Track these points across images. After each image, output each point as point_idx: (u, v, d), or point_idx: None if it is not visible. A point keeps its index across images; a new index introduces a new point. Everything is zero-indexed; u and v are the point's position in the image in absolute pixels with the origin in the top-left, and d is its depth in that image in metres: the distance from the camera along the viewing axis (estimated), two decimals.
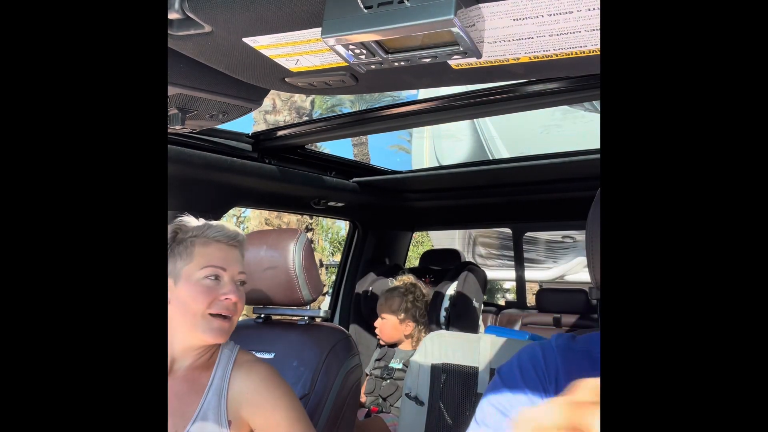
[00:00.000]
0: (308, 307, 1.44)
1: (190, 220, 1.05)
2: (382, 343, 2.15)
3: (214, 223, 1.05)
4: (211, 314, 0.98)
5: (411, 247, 2.96)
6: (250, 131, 1.70)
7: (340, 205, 2.19)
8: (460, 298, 2.17)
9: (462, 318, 2.15)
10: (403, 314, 2.07)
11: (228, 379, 1.02)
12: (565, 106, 4.54)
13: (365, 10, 0.51)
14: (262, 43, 0.61)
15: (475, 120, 5.55)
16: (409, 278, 2.21)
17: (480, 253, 6.18)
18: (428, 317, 2.13)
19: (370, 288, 2.43)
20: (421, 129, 6.36)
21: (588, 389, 0.35)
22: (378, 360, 2.16)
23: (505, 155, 5.35)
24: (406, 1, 0.49)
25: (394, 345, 2.12)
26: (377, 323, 2.12)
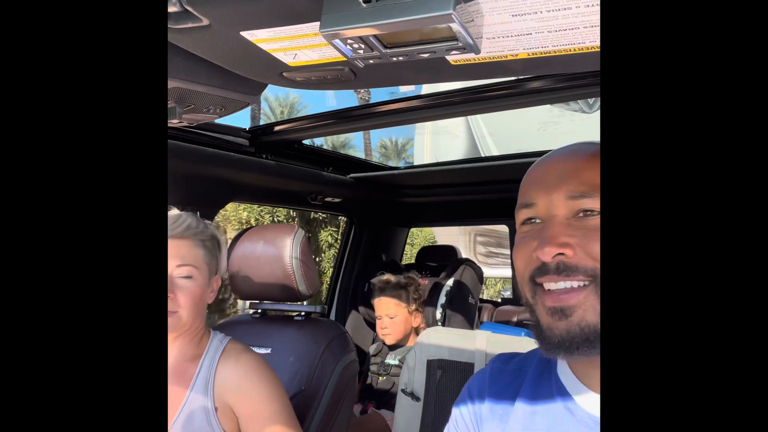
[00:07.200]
0: (305, 302, 1.44)
1: None
2: (389, 343, 2.08)
3: (169, 213, 1.04)
4: None
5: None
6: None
7: (337, 200, 2.19)
8: (456, 294, 2.17)
9: (458, 314, 2.15)
10: (414, 305, 2.03)
11: (215, 368, 1.04)
12: (562, 103, 4.53)
13: (364, 5, 0.51)
14: (260, 37, 0.61)
15: (468, 117, 5.55)
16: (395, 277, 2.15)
17: (480, 251, 6.20)
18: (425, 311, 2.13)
19: (367, 284, 2.43)
20: (422, 124, 6.36)
21: None
22: (374, 356, 2.16)
23: (495, 153, 5.36)
24: None
25: (398, 345, 2.06)
26: (386, 324, 2.04)
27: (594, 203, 0.59)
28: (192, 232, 1.04)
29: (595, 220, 0.58)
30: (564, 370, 0.65)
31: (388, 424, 1.88)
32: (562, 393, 0.62)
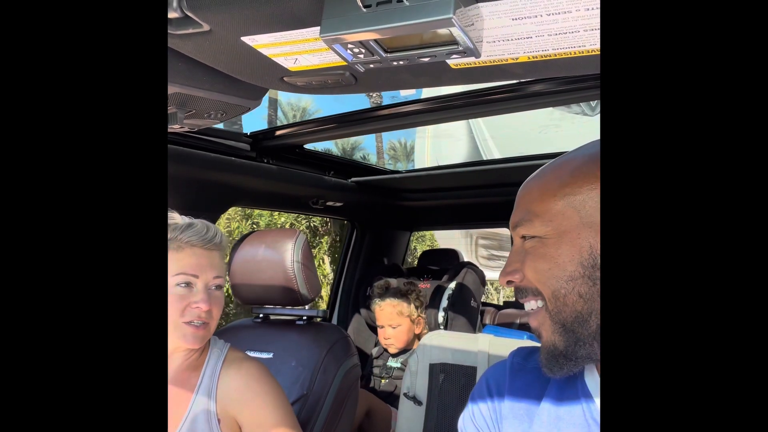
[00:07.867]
0: (306, 307, 1.44)
1: (174, 218, 1.03)
2: (392, 352, 2.07)
3: (195, 222, 1.03)
4: (184, 322, 0.98)
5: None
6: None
7: (338, 204, 2.19)
8: (458, 297, 2.17)
9: (461, 316, 2.14)
10: (416, 313, 2.02)
11: (217, 378, 1.03)
12: (563, 107, 4.53)
13: (364, 9, 0.51)
14: (261, 42, 0.61)
15: (470, 120, 5.55)
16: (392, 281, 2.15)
17: (482, 254, 6.19)
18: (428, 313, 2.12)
19: (369, 288, 2.43)
20: (422, 128, 6.37)
21: None
22: (376, 358, 2.15)
23: (498, 156, 5.36)
24: (405, 1, 0.49)
25: (405, 351, 2.05)
26: (389, 334, 2.02)
27: (527, 229, 0.62)
28: (222, 243, 1.05)
29: (530, 243, 0.62)
30: (591, 373, 0.63)
31: (391, 418, 1.87)
32: (588, 399, 0.61)
